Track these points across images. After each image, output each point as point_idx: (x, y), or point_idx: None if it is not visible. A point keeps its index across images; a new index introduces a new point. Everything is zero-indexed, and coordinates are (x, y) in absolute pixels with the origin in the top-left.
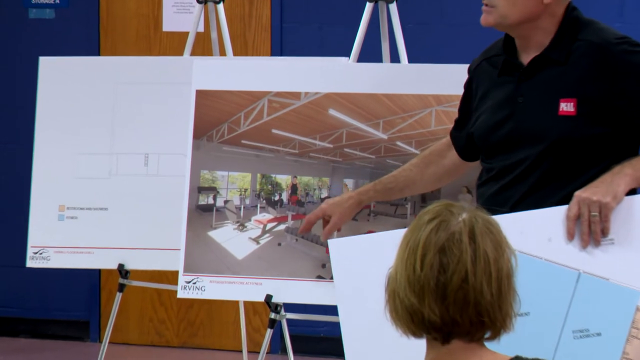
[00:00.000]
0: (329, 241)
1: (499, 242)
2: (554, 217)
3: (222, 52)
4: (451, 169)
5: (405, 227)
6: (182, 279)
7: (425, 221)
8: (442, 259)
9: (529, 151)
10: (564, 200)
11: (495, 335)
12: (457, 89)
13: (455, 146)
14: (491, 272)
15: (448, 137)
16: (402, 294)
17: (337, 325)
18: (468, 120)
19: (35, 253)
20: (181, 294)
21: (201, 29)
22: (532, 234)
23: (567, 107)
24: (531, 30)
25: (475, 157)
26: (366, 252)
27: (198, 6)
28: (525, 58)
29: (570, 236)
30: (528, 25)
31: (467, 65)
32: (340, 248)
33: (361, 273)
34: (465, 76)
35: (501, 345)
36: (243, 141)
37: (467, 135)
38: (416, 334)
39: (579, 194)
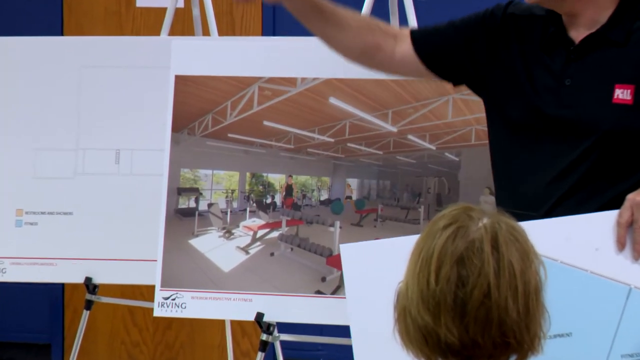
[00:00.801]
0: (341, 246)
1: (526, 252)
2: (602, 224)
3: (206, 32)
4: (388, 58)
5: (418, 234)
6: (159, 294)
7: (441, 227)
8: (461, 271)
9: (573, 143)
10: (612, 203)
11: (522, 359)
12: None
13: (417, 39)
14: (517, 285)
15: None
16: (414, 311)
17: (337, 347)
18: (455, 44)
19: None
20: (158, 312)
21: (181, 4)
22: (577, 242)
23: (623, 94)
24: (584, 5)
25: (435, 68)
26: (381, 259)
27: None
28: (575, 35)
29: (621, 245)
30: (581, 0)
31: None
32: (353, 254)
33: (375, 281)
34: None
35: None
36: (230, 135)
37: (443, 46)
38: (430, 358)
39: (632, 197)
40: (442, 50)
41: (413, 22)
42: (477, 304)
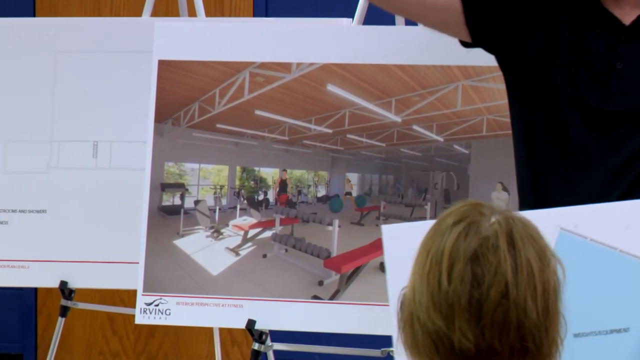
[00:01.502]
0: (383, 227)
1: (543, 250)
2: None
3: (192, 13)
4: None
5: None
6: (140, 300)
7: (450, 224)
8: (476, 270)
9: (628, 133)
10: None
11: None
12: (490, 59)
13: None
14: (536, 285)
15: None
16: (423, 317)
17: (335, 357)
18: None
19: None
20: (140, 320)
21: None
22: (637, 229)
23: None
24: None
25: (477, 36)
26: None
27: None
28: (622, 15)
29: None
30: None
31: None
32: (394, 235)
33: None
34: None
35: None
36: (218, 125)
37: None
38: None
39: None
40: (493, 7)
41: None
42: (495, 305)
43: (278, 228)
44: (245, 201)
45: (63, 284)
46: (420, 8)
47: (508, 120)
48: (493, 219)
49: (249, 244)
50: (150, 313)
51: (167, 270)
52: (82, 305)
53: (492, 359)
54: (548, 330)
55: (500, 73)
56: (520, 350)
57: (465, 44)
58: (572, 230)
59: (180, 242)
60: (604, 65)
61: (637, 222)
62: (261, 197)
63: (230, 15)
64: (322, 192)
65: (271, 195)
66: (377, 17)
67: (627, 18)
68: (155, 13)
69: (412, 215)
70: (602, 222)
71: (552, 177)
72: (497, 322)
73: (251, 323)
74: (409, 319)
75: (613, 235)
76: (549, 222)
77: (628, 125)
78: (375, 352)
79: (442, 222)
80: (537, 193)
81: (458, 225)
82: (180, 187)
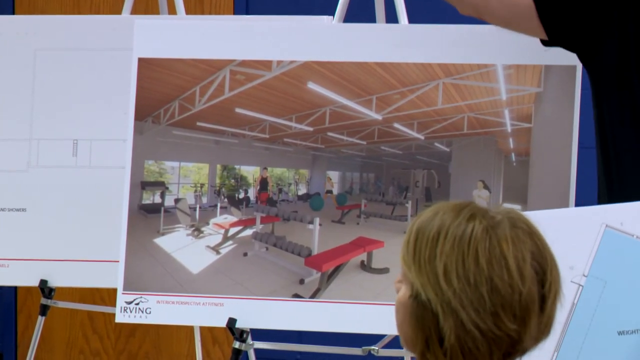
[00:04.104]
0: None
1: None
2: None
3: (172, 10)
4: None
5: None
6: (121, 298)
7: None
8: (541, 265)
9: None
10: None
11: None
12: (470, 56)
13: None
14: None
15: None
16: (485, 324)
17: (318, 357)
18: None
19: None
20: (120, 318)
21: None
22: None
23: None
24: None
25: (557, 35)
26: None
27: None
28: None
29: None
30: None
31: (483, 27)
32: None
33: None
34: (480, 40)
35: None
36: (198, 123)
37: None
38: None
39: None
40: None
41: (400, 0)
42: (552, 302)
43: (259, 226)
44: (226, 199)
45: (43, 282)
46: (487, 6)
47: (489, 118)
48: (499, 217)
49: (230, 242)
50: (131, 312)
51: (147, 269)
52: (62, 304)
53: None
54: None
55: (480, 71)
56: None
57: (544, 42)
58: (617, 228)
59: (160, 241)
60: None
61: None
62: (242, 196)
63: (210, 13)
64: (303, 191)
65: (252, 194)
66: (357, 15)
67: None
68: (135, 11)
69: (393, 213)
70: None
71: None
72: (551, 317)
73: (232, 321)
74: (454, 326)
75: None
76: (594, 220)
77: None
78: (357, 351)
79: (456, 218)
80: (618, 177)
81: (482, 221)
82: (160, 186)
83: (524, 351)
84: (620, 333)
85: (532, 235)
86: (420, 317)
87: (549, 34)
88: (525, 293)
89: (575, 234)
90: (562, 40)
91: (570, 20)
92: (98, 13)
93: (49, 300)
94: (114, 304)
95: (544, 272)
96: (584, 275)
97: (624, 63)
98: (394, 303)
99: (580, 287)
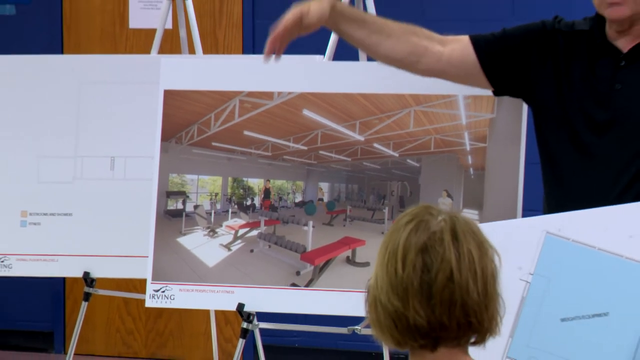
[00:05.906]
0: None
1: (482, 242)
2: (636, 213)
3: (191, 50)
4: (435, 58)
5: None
6: (150, 287)
7: (404, 223)
8: (425, 258)
9: (625, 144)
10: None
11: (482, 339)
12: (437, 88)
13: (477, 41)
14: (476, 270)
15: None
16: (384, 299)
17: (311, 335)
18: (514, 50)
19: None
20: (149, 303)
21: (169, 25)
22: (614, 230)
23: None
24: None
25: (490, 69)
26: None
27: (166, 2)
28: (623, 45)
29: None
30: None
31: None
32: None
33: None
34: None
35: (577, 343)
36: (213, 143)
37: (496, 52)
38: (401, 343)
39: None
40: (502, 53)
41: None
42: (442, 287)
43: (263, 228)
44: (236, 206)
45: (86, 274)
46: (435, 68)
47: (452, 139)
48: (440, 218)
49: (239, 241)
50: (158, 298)
51: (171, 263)
52: (101, 292)
53: (442, 333)
54: (488, 308)
55: (445, 100)
56: (465, 325)
57: (494, 92)
58: (556, 234)
59: (182, 240)
60: (605, 87)
61: (614, 226)
62: (249, 203)
63: (223, 53)
64: (299, 198)
65: (257, 201)
66: (344, 54)
67: (627, 47)
68: (161, 51)
69: (373, 217)
70: (582, 226)
71: (567, 168)
72: (445, 301)
73: (241, 306)
74: (373, 302)
75: (593, 236)
76: (537, 227)
77: (625, 131)
78: (343, 330)
79: (399, 222)
80: (557, 182)
81: (410, 223)
82: (182, 195)
83: (458, 338)
84: (563, 320)
85: (447, 234)
86: (366, 297)
87: (495, 88)
88: (405, 276)
89: (522, 239)
90: (506, 91)
91: (508, 73)
92: (132, 52)
93: (91, 289)
94: (144, 292)
95: (431, 263)
96: (530, 274)
97: (558, 99)
98: None
99: (528, 284)
